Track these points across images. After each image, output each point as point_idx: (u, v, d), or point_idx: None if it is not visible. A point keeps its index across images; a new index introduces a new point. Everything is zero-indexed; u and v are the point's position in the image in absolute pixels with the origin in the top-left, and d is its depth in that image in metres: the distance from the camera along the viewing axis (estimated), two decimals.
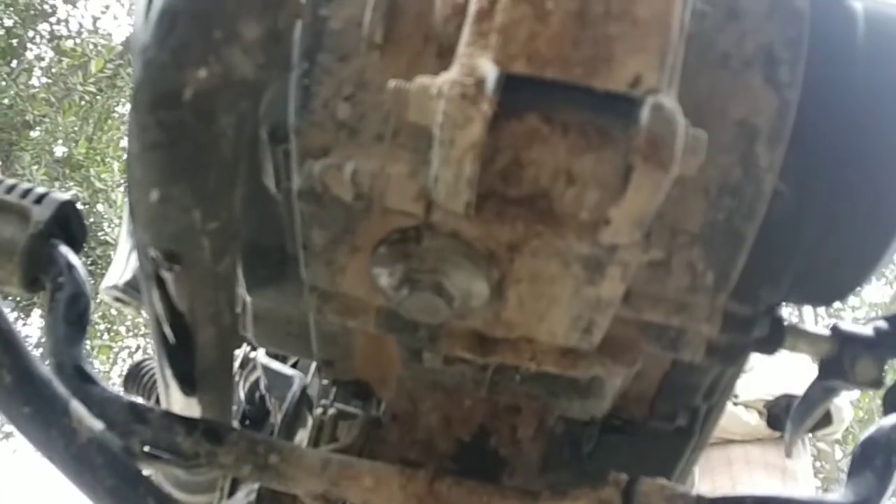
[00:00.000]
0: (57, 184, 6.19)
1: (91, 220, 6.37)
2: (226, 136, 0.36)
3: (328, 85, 0.42)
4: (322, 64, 0.42)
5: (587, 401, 0.59)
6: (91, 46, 6.39)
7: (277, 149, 0.47)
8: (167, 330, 0.49)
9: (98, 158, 6.33)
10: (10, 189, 0.59)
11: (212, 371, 0.53)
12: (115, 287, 0.70)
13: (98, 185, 6.31)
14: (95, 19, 6.74)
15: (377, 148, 0.42)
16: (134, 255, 0.75)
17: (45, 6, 6.49)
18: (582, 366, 0.50)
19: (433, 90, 0.36)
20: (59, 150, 6.41)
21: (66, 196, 0.58)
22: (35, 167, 6.02)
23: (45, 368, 0.50)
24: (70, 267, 0.57)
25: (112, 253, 6.03)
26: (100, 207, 6.39)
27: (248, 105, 0.36)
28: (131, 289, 0.70)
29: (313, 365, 0.83)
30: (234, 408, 1.08)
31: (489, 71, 0.34)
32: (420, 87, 0.36)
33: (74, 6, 6.67)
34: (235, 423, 1.07)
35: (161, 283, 0.44)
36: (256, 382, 0.98)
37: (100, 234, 6.10)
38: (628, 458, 0.65)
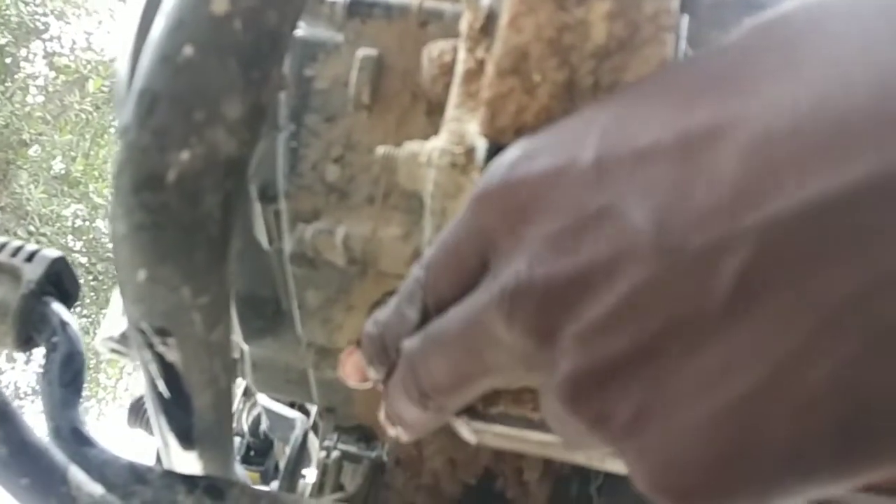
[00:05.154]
0: (55, 200, 6.18)
1: (91, 235, 6.37)
2: (212, 216, 0.35)
3: (316, 147, 0.41)
4: (309, 125, 0.42)
5: None
6: (85, 63, 6.39)
7: (268, 208, 0.46)
8: (162, 387, 0.48)
9: (96, 174, 6.33)
10: (0, 248, 0.58)
11: (210, 430, 0.52)
12: (111, 339, 0.69)
13: (97, 200, 6.31)
14: (88, 34, 6.73)
15: (368, 210, 0.41)
16: None
17: (38, 24, 6.48)
18: None
19: (422, 158, 0.35)
20: (57, 168, 6.41)
21: (57, 253, 0.58)
22: (33, 185, 6.02)
23: (40, 438, 0.49)
24: (64, 325, 0.56)
25: (112, 268, 6.03)
26: (99, 223, 6.39)
27: (234, 182, 0.35)
28: (128, 340, 0.69)
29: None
30: (238, 439, 1.07)
31: (478, 140, 0.33)
32: (409, 155, 0.35)
33: (67, 22, 6.66)
34: (239, 458, 1.06)
35: (153, 348, 0.43)
36: (260, 415, 0.97)
37: (100, 249, 6.09)
38: (636, 496, 0.64)
